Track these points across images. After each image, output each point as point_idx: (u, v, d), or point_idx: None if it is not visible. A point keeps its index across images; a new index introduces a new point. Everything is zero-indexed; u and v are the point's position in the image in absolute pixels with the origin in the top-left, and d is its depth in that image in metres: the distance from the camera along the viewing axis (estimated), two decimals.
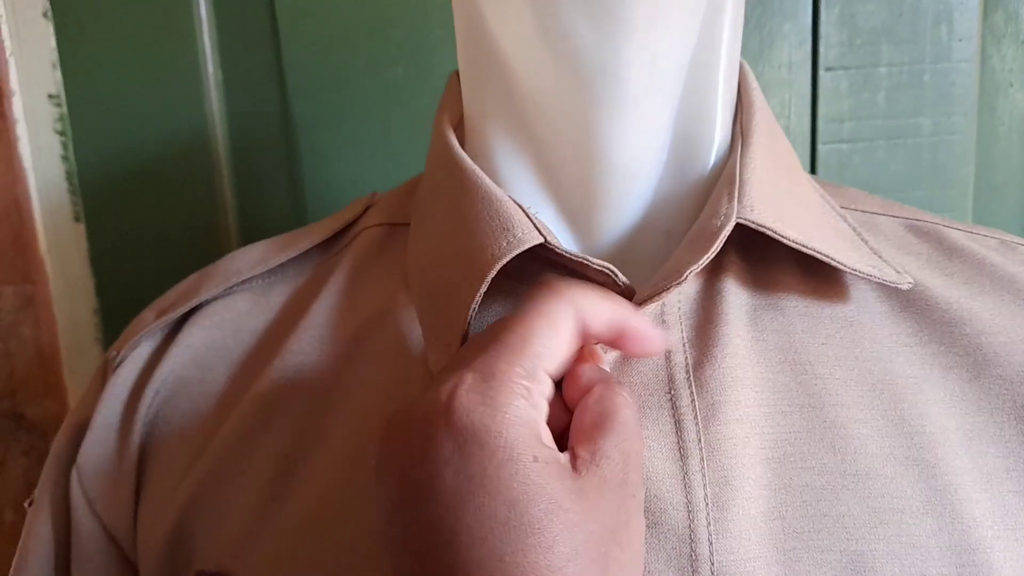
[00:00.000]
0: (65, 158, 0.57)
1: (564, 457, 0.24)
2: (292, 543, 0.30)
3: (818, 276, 0.32)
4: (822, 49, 0.58)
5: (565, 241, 0.33)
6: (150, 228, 0.57)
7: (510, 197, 0.31)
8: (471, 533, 0.22)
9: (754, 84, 0.34)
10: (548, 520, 0.22)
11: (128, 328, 0.38)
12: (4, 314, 0.58)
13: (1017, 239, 0.36)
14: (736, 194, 0.30)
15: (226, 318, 0.36)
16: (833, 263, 0.30)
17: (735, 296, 0.31)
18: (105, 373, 0.37)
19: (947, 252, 0.34)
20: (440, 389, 0.24)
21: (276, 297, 0.36)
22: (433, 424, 0.23)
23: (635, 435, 0.25)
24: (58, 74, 0.56)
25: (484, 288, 0.29)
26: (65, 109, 0.56)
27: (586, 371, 0.26)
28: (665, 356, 0.30)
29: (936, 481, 0.28)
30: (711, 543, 0.27)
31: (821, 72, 0.59)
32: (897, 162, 0.60)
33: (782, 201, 0.31)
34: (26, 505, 0.37)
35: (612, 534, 0.23)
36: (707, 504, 0.27)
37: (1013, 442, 0.29)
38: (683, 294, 0.31)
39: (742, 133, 0.33)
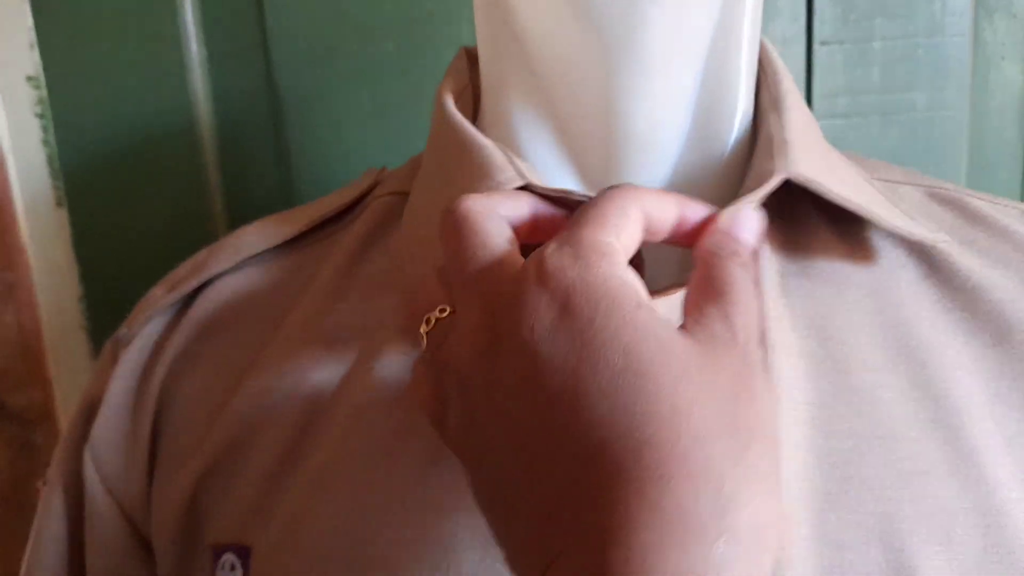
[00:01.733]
0: (46, 142, 0.55)
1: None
2: (303, 511, 0.30)
3: (849, 240, 0.32)
4: (816, 24, 0.58)
5: None
6: (135, 212, 0.56)
7: (496, 145, 0.31)
8: (592, 390, 0.20)
9: (774, 53, 0.35)
10: (664, 361, 0.20)
11: (138, 305, 0.38)
12: None
13: None
14: (783, 152, 0.30)
15: (236, 293, 0.36)
16: (873, 218, 0.31)
17: (767, 261, 0.31)
18: (116, 351, 0.37)
19: (969, 220, 0.34)
20: (524, 264, 0.23)
21: (286, 270, 0.36)
22: (526, 290, 0.22)
23: (745, 302, 0.23)
24: (36, 55, 0.54)
25: None
26: (44, 91, 0.55)
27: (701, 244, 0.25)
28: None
29: (961, 444, 0.29)
30: None
31: (816, 47, 0.58)
32: (891, 136, 0.60)
33: (820, 163, 0.31)
34: (40, 484, 0.37)
35: (735, 384, 0.21)
36: None
37: None
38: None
39: (774, 98, 0.33)
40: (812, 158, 0.31)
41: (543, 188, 0.29)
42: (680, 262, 0.32)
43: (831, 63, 0.58)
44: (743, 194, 0.30)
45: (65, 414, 0.59)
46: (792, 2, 0.57)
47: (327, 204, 0.38)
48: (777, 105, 0.32)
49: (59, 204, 0.56)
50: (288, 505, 0.31)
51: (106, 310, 0.57)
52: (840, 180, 0.32)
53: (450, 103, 0.33)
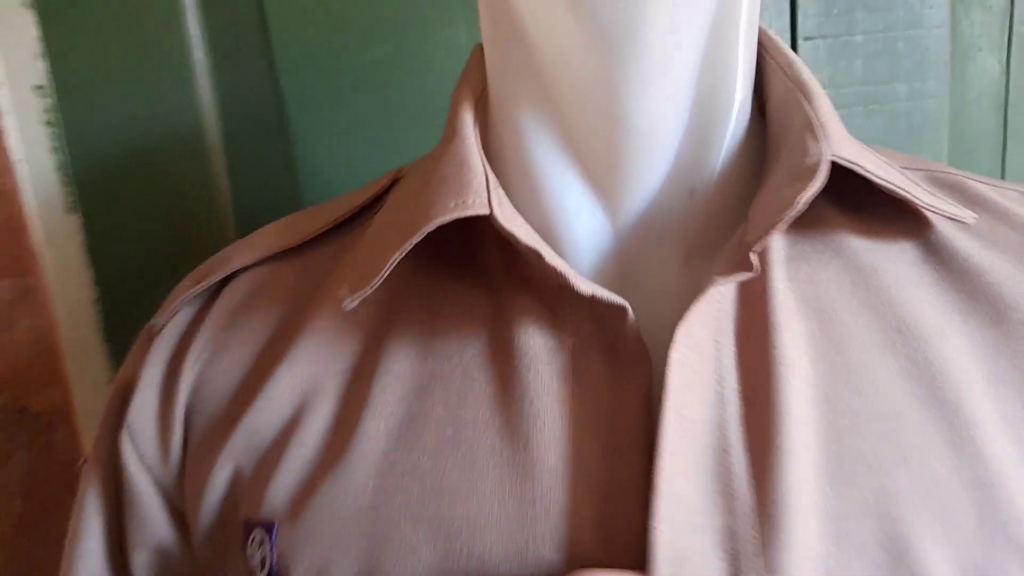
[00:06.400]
0: (56, 149, 0.57)
1: None
2: (322, 491, 0.32)
3: (853, 225, 0.33)
4: (800, 19, 0.60)
5: (589, 205, 0.33)
6: (147, 216, 0.57)
7: (486, 168, 0.32)
8: None
9: (784, 44, 0.35)
10: None
11: (168, 298, 0.40)
12: (2, 307, 0.58)
13: None
14: (823, 135, 0.31)
15: (260, 285, 0.38)
16: (911, 198, 0.31)
17: (776, 243, 0.32)
18: (149, 339, 0.39)
19: (969, 202, 0.35)
20: None
21: (309, 263, 0.38)
22: None
23: None
24: (43, 65, 0.56)
25: (414, 240, 0.31)
26: (53, 100, 0.56)
27: None
28: (720, 298, 0.31)
29: (958, 420, 0.29)
30: (748, 482, 0.28)
31: (800, 41, 0.60)
32: (875, 127, 0.62)
33: (853, 147, 0.32)
34: (80, 464, 0.39)
35: None
36: (745, 447, 0.28)
37: None
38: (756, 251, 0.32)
39: (798, 85, 0.33)
40: (847, 142, 0.32)
41: (504, 229, 0.30)
42: (688, 220, 0.33)
43: (815, 57, 0.60)
44: (789, 179, 0.30)
45: (83, 414, 0.61)
46: None
47: (349, 201, 0.39)
48: (804, 90, 0.33)
49: (71, 210, 0.57)
50: (308, 484, 0.32)
51: (120, 312, 0.59)
52: (873, 164, 0.32)
53: (465, 112, 0.34)
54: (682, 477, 0.28)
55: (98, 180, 0.57)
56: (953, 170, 0.37)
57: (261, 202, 0.58)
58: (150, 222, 0.57)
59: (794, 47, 0.60)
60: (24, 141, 0.56)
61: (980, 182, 0.36)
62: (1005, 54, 0.62)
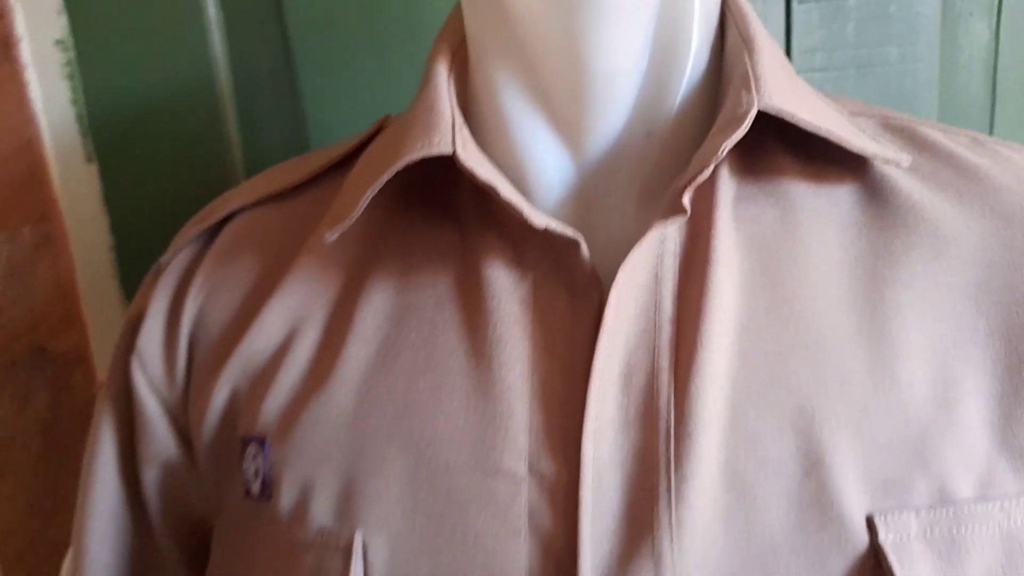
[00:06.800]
0: (75, 101, 0.59)
1: None
2: (308, 407, 0.35)
3: (803, 168, 0.35)
4: None
5: (556, 148, 0.36)
6: (160, 166, 0.60)
7: (454, 112, 0.34)
8: None
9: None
10: None
11: (174, 239, 0.43)
12: (23, 252, 0.61)
13: (988, 138, 0.38)
14: (754, 87, 0.33)
15: (257, 223, 0.41)
16: (840, 141, 0.33)
17: (724, 184, 0.34)
18: (157, 275, 0.42)
19: (918, 146, 0.37)
20: None
21: (302, 204, 0.41)
22: None
23: None
24: (64, 20, 0.58)
25: (385, 177, 0.33)
26: (73, 54, 0.59)
27: None
28: (660, 241, 0.33)
29: (883, 349, 0.32)
30: (671, 400, 0.31)
31: (794, 5, 0.62)
32: (866, 90, 0.63)
33: (791, 94, 0.34)
34: (96, 389, 0.41)
35: None
36: (671, 366, 0.31)
37: (964, 317, 0.32)
38: (688, 195, 0.34)
39: (744, 38, 0.35)
40: (783, 91, 0.34)
41: (464, 166, 0.33)
42: (645, 161, 0.36)
43: (808, 21, 0.62)
44: (721, 128, 0.33)
45: (99, 357, 0.64)
46: None
47: (340, 147, 0.42)
48: (748, 44, 0.35)
49: (89, 160, 0.60)
50: (297, 404, 0.36)
51: (135, 258, 0.62)
52: (809, 109, 0.34)
53: (439, 63, 0.37)
54: (610, 396, 0.31)
55: (115, 131, 0.60)
56: (909, 117, 0.39)
57: (270, 153, 0.60)
58: (164, 172, 0.60)
59: (788, 11, 0.62)
60: (44, 94, 0.59)
61: (933, 128, 0.38)
62: (995, 19, 0.64)
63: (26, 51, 0.58)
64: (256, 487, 0.35)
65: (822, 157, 0.36)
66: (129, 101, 0.59)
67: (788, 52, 0.62)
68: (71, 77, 0.59)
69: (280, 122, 0.60)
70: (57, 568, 0.65)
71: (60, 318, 0.62)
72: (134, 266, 0.62)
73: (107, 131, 0.60)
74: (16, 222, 0.60)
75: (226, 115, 0.60)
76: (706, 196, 0.34)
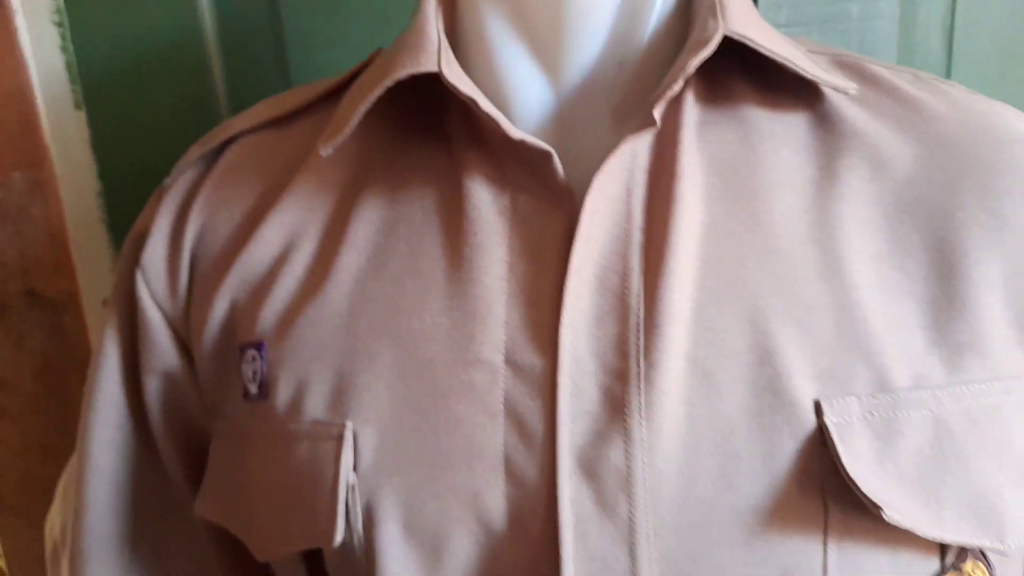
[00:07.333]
0: (64, 48, 0.61)
1: None
2: (303, 311, 0.38)
3: (762, 95, 0.38)
4: None
5: (536, 75, 0.39)
6: (148, 114, 0.62)
7: (440, 36, 0.37)
8: None
9: None
10: None
11: (177, 162, 0.46)
12: (15, 197, 0.62)
13: (929, 74, 0.42)
14: (720, 14, 0.36)
15: (256, 146, 0.44)
16: (797, 68, 0.36)
17: (689, 109, 0.37)
18: (161, 194, 0.45)
19: (865, 80, 0.40)
20: None
21: (297, 129, 0.43)
22: None
23: None
24: None
25: (377, 93, 0.36)
26: (62, 1, 0.60)
27: None
28: (632, 156, 0.36)
29: (829, 255, 0.35)
30: (641, 298, 0.34)
31: None
32: (829, 43, 0.66)
33: (753, 25, 0.37)
34: (103, 304, 0.44)
35: None
36: (641, 270, 0.35)
37: (898, 231, 0.36)
38: (658, 109, 0.37)
39: None
40: (747, 21, 0.37)
41: (448, 82, 0.35)
42: (615, 90, 0.38)
43: None
44: (689, 50, 0.36)
45: (89, 302, 0.65)
46: None
47: (336, 78, 0.45)
48: None
49: (78, 107, 0.62)
50: (293, 308, 0.38)
51: (123, 204, 0.63)
52: (769, 39, 0.37)
53: None
54: (586, 293, 0.34)
55: (102, 78, 0.61)
56: (859, 55, 0.42)
57: (256, 99, 0.61)
58: (151, 120, 0.62)
59: None
60: (34, 40, 0.60)
61: (879, 65, 0.41)
62: None
63: None
64: (254, 388, 0.38)
65: (779, 87, 0.39)
66: (117, 48, 0.61)
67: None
68: (60, 24, 0.60)
69: (265, 70, 0.62)
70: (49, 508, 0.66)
71: (51, 262, 0.63)
72: (122, 212, 0.63)
73: (95, 78, 0.61)
74: (7, 167, 0.62)
75: (212, 62, 0.61)
76: (673, 119, 0.37)
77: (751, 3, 0.40)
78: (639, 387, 0.33)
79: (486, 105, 0.36)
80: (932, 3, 0.67)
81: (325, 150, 0.38)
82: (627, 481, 0.33)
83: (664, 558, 0.33)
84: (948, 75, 0.69)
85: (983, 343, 0.34)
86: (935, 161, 0.37)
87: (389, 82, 0.36)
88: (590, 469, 0.33)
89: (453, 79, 0.36)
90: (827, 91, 0.38)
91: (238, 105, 0.62)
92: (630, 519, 0.32)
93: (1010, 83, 0.68)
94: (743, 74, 0.39)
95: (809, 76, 0.37)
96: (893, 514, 0.32)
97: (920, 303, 0.35)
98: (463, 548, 0.34)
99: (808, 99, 0.38)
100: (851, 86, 0.37)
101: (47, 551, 0.58)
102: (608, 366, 0.34)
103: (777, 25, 0.66)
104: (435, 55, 0.36)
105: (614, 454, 0.33)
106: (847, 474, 0.32)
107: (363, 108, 0.37)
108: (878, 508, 0.32)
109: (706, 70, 0.39)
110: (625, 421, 0.33)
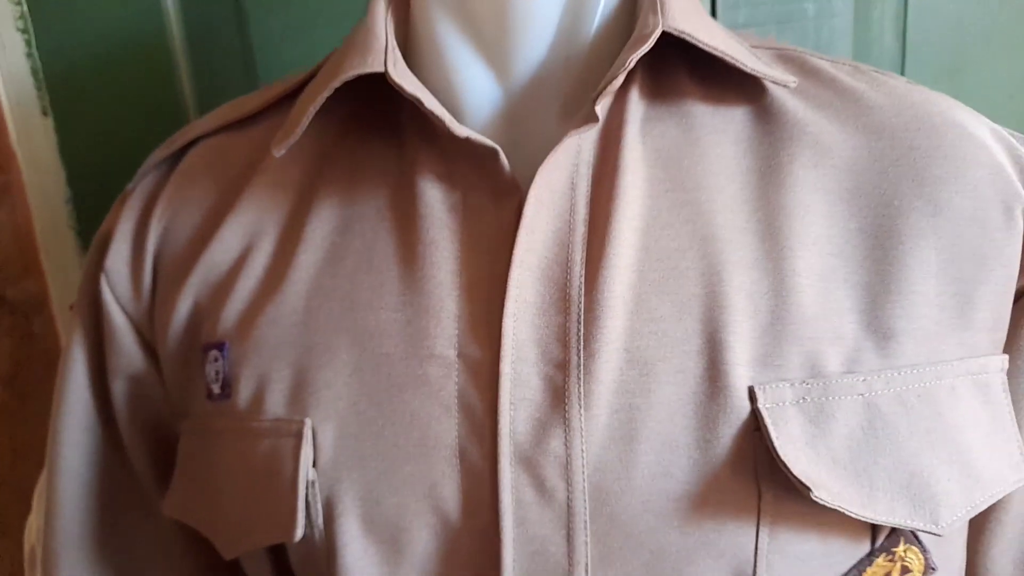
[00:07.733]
0: (29, 55, 0.61)
1: None
2: (262, 310, 0.38)
3: (706, 91, 0.39)
4: None
5: (485, 74, 0.40)
6: (115, 119, 0.62)
7: (388, 36, 0.38)
8: None
9: None
10: None
11: (140, 167, 0.46)
12: None
13: (868, 66, 0.42)
14: (660, 11, 0.37)
15: (217, 148, 0.44)
16: (736, 63, 0.37)
17: (634, 105, 0.38)
18: (124, 199, 0.45)
19: (805, 73, 0.41)
20: None
21: (256, 132, 0.44)
22: None
23: None
24: None
25: (325, 95, 0.37)
26: (26, 8, 0.60)
27: None
28: (576, 151, 0.37)
29: (769, 242, 0.36)
30: (582, 289, 0.35)
31: None
32: (788, 42, 0.68)
33: (694, 21, 0.38)
34: (70, 308, 0.45)
35: None
36: (583, 261, 0.36)
37: (837, 217, 0.37)
38: (600, 105, 0.37)
39: None
40: (687, 17, 0.38)
41: (394, 82, 0.36)
42: (564, 86, 0.39)
43: None
44: (630, 46, 0.37)
45: (59, 306, 0.66)
46: None
47: (292, 80, 0.45)
48: None
49: (44, 113, 0.62)
50: (253, 308, 0.39)
51: (91, 209, 0.64)
52: (710, 35, 0.38)
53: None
54: (529, 284, 0.35)
55: (69, 84, 0.61)
56: (801, 49, 0.43)
57: (222, 102, 0.62)
58: (118, 124, 0.62)
59: None
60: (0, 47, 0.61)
61: (820, 58, 0.42)
62: None
63: None
64: (217, 388, 0.39)
65: (723, 82, 0.40)
66: (82, 54, 0.61)
67: (713, 9, 0.67)
68: (24, 31, 0.60)
69: (231, 73, 0.62)
70: (21, 512, 0.67)
71: (19, 267, 0.64)
72: (90, 217, 0.64)
73: (61, 84, 0.61)
74: None
75: (178, 66, 0.62)
76: (618, 114, 0.38)
77: (697, 4, 0.42)
78: (579, 377, 0.34)
79: (430, 103, 0.37)
80: (886, 1, 0.69)
81: (278, 151, 0.38)
82: (566, 468, 0.34)
83: (600, 543, 0.34)
84: (902, 70, 0.71)
85: (917, 328, 0.35)
86: (873, 150, 0.38)
87: (336, 83, 0.37)
88: (530, 457, 0.34)
89: (398, 78, 0.36)
90: (769, 85, 0.39)
91: (205, 108, 0.63)
92: (568, 505, 0.34)
93: (962, 77, 0.69)
94: (687, 70, 0.40)
95: (749, 70, 0.38)
96: (821, 493, 0.33)
97: (856, 288, 0.36)
98: (422, 540, 0.35)
99: (751, 93, 0.39)
100: (791, 79, 0.38)
101: (25, 553, 0.58)
102: (549, 356, 0.35)
103: (735, 25, 0.67)
104: (382, 55, 0.37)
105: (554, 443, 0.34)
106: (779, 457, 0.33)
107: (312, 109, 0.38)
108: (807, 488, 0.33)
109: (651, 66, 0.40)
110: (565, 410, 0.34)
